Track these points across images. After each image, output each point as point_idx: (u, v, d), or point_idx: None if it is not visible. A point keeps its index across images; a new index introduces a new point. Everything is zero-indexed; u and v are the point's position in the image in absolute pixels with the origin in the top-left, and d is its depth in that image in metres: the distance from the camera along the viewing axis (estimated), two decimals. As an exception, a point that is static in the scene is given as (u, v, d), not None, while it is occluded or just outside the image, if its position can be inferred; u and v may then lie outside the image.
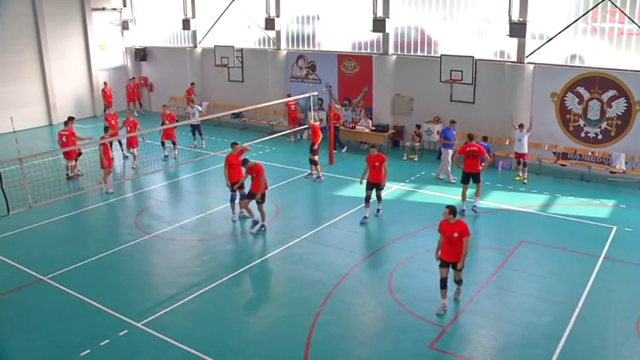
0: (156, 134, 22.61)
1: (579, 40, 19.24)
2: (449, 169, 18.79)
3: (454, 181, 18.33)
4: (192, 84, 28.35)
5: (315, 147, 18.70)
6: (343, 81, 24.29)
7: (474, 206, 16.04)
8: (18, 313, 11.38)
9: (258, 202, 14.69)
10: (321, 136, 18.98)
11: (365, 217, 15.48)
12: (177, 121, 21.00)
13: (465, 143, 16.05)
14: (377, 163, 15.37)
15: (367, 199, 15.47)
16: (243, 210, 15.44)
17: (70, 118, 20.21)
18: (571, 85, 19.12)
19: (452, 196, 17.39)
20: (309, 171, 19.40)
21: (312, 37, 25.50)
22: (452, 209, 10.68)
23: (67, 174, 19.61)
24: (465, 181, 15.91)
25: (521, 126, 18.55)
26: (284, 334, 10.54)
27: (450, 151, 18.69)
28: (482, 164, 15.93)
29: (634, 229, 14.70)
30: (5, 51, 27.00)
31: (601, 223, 15.20)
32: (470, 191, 15.99)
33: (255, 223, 14.94)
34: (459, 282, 11.16)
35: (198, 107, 24.73)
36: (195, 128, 23.69)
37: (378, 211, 15.81)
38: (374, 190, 15.54)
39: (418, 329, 10.48)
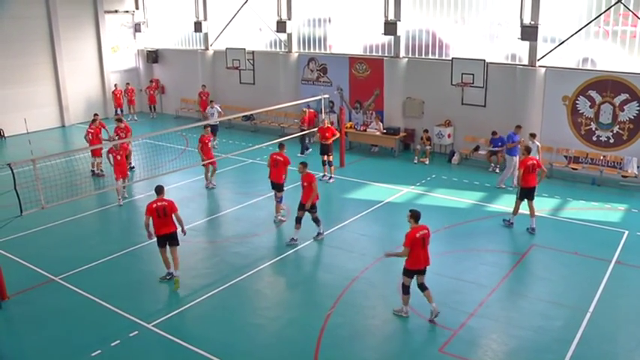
0: (163, 136, 22.72)
1: (591, 43, 19.14)
2: (515, 174, 17.84)
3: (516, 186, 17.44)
4: (204, 86, 28.51)
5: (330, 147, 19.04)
6: (354, 84, 24.30)
7: (533, 228, 14.89)
8: (30, 313, 11.49)
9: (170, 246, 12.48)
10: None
11: (292, 239, 14.23)
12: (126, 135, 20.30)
13: (523, 157, 14.99)
14: (305, 184, 14.06)
15: (298, 219, 14.20)
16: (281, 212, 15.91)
17: (118, 119, 20.97)
18: (583, 89, 19.03)
19: (462, 199, 17.38)
20: (323, 173, 19.40)
21: (324, 39, 25.54)
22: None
23: (93, 170, 20.33)
24: (524, 197, 14.81)
25: (532, 135, 17.87)
26: (294, 336, 10.57)
27: (515, 158, 17.88)
28: (539, 177, 15.11)
29: (646, 234, 14.62)
30: (19, 53, 27.30)
31: (612, 228, 15.11)
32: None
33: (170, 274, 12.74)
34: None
35: (218, 108, 24.97)
36: (212, 129, 23.89)
37: (317, 234, 14.54)
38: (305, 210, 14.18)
39: (428, 333, 10.48)
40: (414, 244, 10.44)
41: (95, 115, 21.56)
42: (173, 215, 12.12)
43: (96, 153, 20.20)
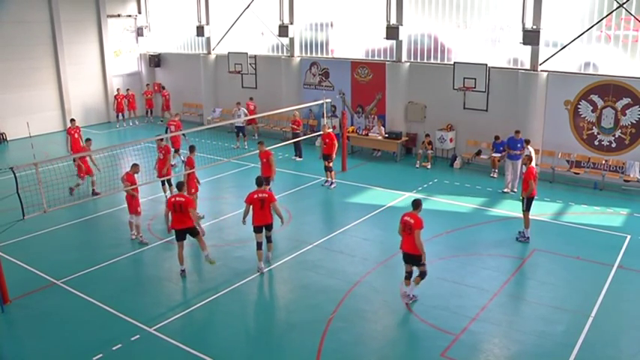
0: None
1: (593, 47, 19.16)
2: (510, 178, 18.11)
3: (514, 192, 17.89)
4: (163, 87, 30.77)
5: (333, 155, 18.84)
6: (356, 88, 24.32)
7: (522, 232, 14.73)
8: (31, 316, 11.49)
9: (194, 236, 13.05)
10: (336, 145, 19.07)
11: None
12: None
13: (527, 166, 14.48)
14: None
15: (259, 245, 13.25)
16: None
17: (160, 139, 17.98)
18: (585, 93, 19.03)
19: (464, 203, 17.36)
20: (326, 178, 19.31)
21: (326, 44, 25.59)
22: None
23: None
24: (530, 207, 14.44)
25: (526, 141, 17.82)
26: (296, 340, 10.55)
27: (516, 163, 17.91)
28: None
29: (648, 238, 14.58)
30: (22, 57, 27.42)
31: (615, 232, 15.09)
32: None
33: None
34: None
35: (244, 109, 25.13)
36: (239, 130, 24.61)
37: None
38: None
39: (430, 337, 10.45)
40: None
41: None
42: (189, 211, 12.60)
43: None
